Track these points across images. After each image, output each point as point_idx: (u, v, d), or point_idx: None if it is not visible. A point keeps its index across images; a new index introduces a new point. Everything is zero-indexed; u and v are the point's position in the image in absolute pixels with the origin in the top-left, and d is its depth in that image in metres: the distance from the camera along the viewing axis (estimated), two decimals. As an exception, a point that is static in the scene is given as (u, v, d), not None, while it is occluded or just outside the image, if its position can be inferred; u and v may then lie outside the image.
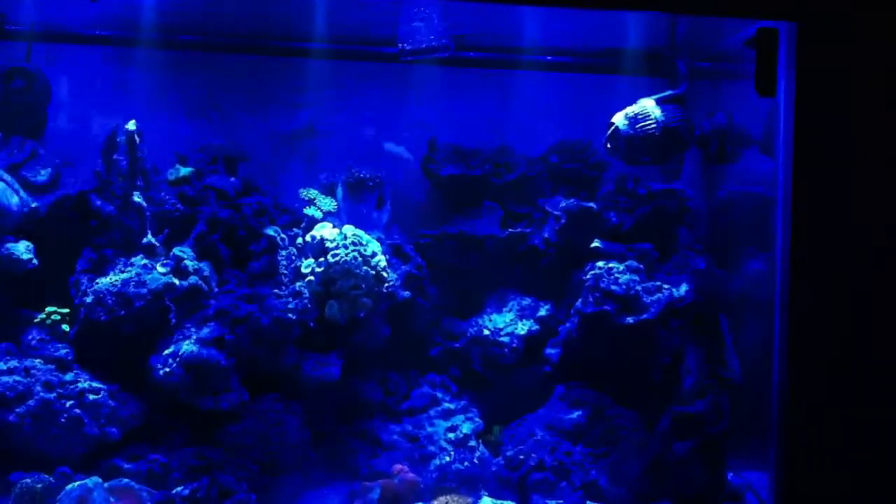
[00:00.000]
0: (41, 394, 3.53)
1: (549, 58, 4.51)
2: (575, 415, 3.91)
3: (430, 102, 4.54)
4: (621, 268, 3.99)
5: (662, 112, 3.95)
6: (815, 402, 3.27)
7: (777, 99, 3.38)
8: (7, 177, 3.82)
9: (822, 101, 3.28)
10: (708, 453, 3.63)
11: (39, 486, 3.36)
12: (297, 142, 4.51)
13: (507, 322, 4.18)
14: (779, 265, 3.34)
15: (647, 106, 3.98)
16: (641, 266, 4.03)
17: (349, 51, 4.44)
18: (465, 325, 4.23)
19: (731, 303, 4.04)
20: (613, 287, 3.92)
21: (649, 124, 3.93)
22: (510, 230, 4.27)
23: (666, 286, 3.97)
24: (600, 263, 4.03)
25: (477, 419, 4.01)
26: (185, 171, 4.04)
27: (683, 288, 3.96)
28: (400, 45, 4.00)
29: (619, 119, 3.98)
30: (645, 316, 3.90)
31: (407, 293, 4.09)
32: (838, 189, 3.28)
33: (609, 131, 3.99)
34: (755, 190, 3.88)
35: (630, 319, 3.89)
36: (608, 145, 4.01)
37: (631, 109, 3.98)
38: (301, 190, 4.16)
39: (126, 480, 3.43)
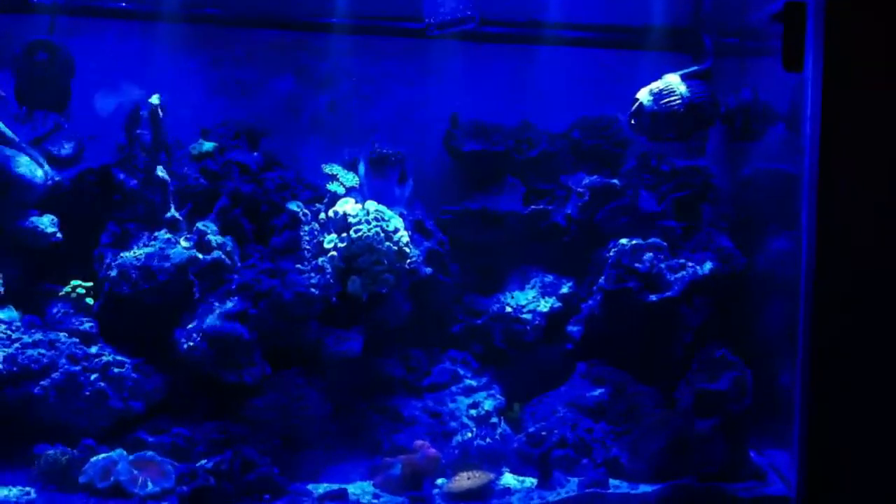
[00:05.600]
0: (66, 366, 3.55)
1: (573, 33, 4.48)
2: (597, 392, 3.90)
3: (453, 77, 4.51)
4: (645, 245, 3.97)
5: (687, 88, 3.93)
6: (839, 381, 3.25)
7: (804, 74, 3.34)
8: (31, 150, 3.83)
9: (850, 76, 3.24)
10: (730, 431, 3.62)
11: (64, 458, 3.39)
12: (318, 117, 4.50)
13: (529, 299, 4.17)
14: (804, 243, 3.31)
15: (672, 82, 3.95)
16: (665, 243, 4.01)
17: (372, 26, 4.42)
18: (487, 301, 4.22)
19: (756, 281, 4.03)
20: (637, 264, 3.91)
21: (674, 100, 3.91)
22: (532, 207, 4.25)
23: (690, 264, 3.95)
24: (623, 241, 4.01)
25: (498, 396, 4.01)
26: (208, 145, 4.03)
27: (708, 266, 3.94)
28: (426, 20, 3.98)
29: (643, 95, 3.95)
30: (668, 294, 3.89)
31: (429, 269, 4.08)
32: (865, 166, 3.25)
33: (633, 107, 3.96)
34: (780, 167, 3.85)
35: (653, 297, 3.89)
36: (632, 122, 3.99)
37: (655, 85, 3.95)
38: (323, 165, 4.13)
39: (150, 453, 3.46)
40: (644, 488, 3.58)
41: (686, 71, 4.00)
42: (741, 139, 4.14)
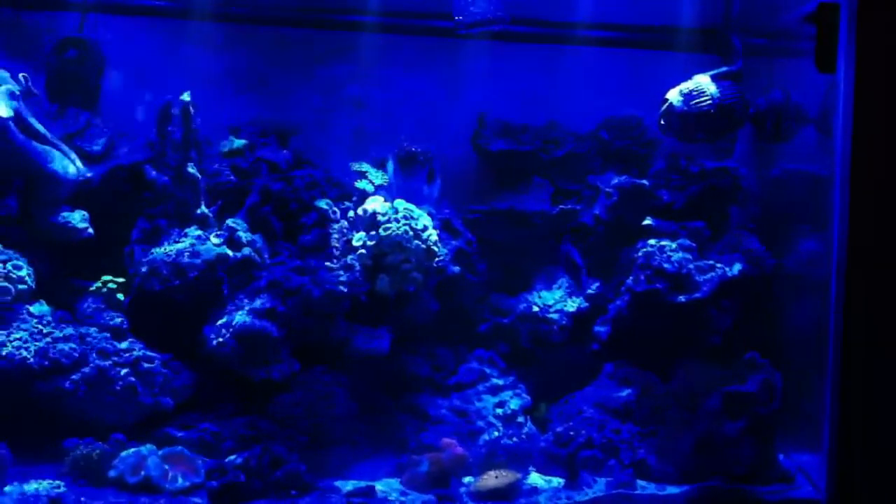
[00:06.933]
0: (96, 361, 3.57)
1: (601, 33, 4.47)
2: (623, 393, 3.89)
3: (480, 77, 4.51)
4: (673, 246, 3.96)
5: (718, 89, 3.91)
6: (869, 384, 3.24)
7: (837, 76, 3.33)
8: (63, 146, 3.85)
9: (884, 78, 3.22)
10: (758, 433, 3.60)
11: (95, 452, 3.41)
12: (346, 116, 4.51)
13: (556, 299, 4.17)
14: (835, 246, 3.30)
15: (702, 82, 3.93)
16: (694, 244, 3.99)
17: (399, 25, 4.43)
18: (514, 301, 4.23)
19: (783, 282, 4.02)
20: (665, 265, 3.90)
21: (704, 101, 3.89)
22: (560, 206, 4.25)
23: (719, 265, 3.94)
24: (652, 241, 4.00)
25: (525, 395, 4.00)
26: (238, 143, 4.06)
27: (737, 267, 3.93)
28: (455, 17, 3.99)
29: (673, 96, 3.94)
30: (697, 295, 3.87)
31: (456, 268, 4.09)
32: (897, 169, 3.23)
33: (663, 108, 3.95)
34: (810, 168, 3.83)
35: (682, 298, 3.87)
36: (662, 122, 3.98)
37: (685, 86, 3.94)
38: (352, 163, 4.16)
39: (180, 448, 3.47)
40: (671, 490, 3.57)
41: (716, 71, 3.99)
42: (771, 140, 4.12)
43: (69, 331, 3.64)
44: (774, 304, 4.03)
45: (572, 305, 4.14)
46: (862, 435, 3.24)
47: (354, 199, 4.06)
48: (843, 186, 3.27)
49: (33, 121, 3.79)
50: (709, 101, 3.89)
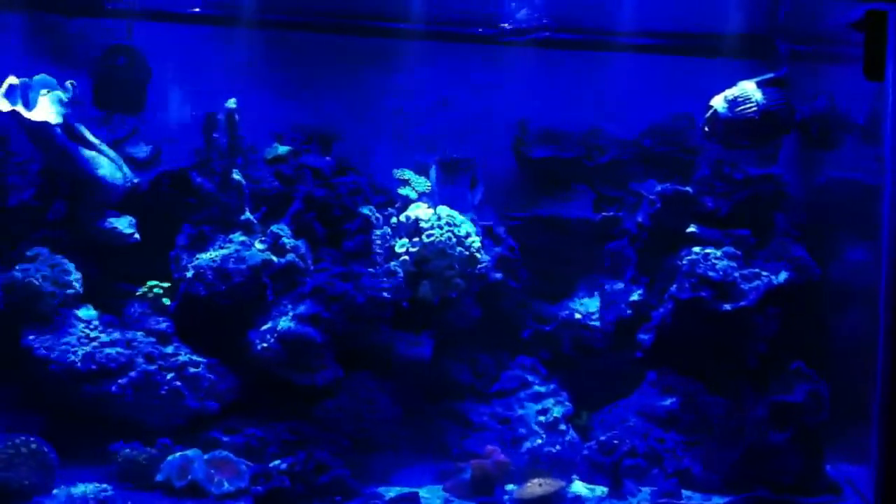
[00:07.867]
0: (143, 366, 3.60)
1: (644, 40, 4.45)
2: (667, 401, 3.86)
3: (522, 84, 4.51)
4: (718, 254, 3.92)
5: (763, 95, 3.88)
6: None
7: (885, 83, 3.29)
8: (111, 152, 3.89)
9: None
10: (805, 444, 3.57)
11: (142, 456, 3.44)
12: (387, 122, 4.52)
13: (598, 306, 4.15)
14: (885, 255, 3.26)
15: (748, 89, 3.91)
16: (739, 252, 3.95)
17: (441, 31, 4.43)
18: (556, 308, 4.21)
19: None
20: (710, 273, 3.86)
21: (749, 107, 3.87)
22: (603, 213, 4.24)
23: (764, 273, 3.89)
24: (696, 249, 3.95)
25: (567, 403, 3.99)
26: (282, 149, 4.07)
27: (783, 276, 3.89)
28: (500, 25, 3.99)
29: (718, 102, 3.92)
30: (743, 303, 3.82)
31: (499, 275, 4.08)
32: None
33: (708, 114, 3.93)
34: (857, 176, 3.79)
35: (727, 306, 3.83)
36: (706, 129, 3.95)
37: (731, 92, 3.92)
38: (395, 170, 4.17)
39: (225, 453, 3.49)
40: (717, 500, 3.55)
41: (762, 78, 3.96)
42: (817, 147, 4.08)
43: (116, 335, 3.67)
44: (820, 312, 3.98)
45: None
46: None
47: (397, 205, 4.07)
48: (893, 194, 3.23)
49: (81, 127, 3.84)
50: (754, 108, 3.86)
